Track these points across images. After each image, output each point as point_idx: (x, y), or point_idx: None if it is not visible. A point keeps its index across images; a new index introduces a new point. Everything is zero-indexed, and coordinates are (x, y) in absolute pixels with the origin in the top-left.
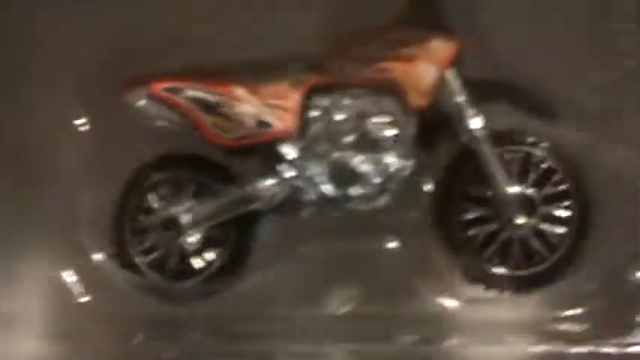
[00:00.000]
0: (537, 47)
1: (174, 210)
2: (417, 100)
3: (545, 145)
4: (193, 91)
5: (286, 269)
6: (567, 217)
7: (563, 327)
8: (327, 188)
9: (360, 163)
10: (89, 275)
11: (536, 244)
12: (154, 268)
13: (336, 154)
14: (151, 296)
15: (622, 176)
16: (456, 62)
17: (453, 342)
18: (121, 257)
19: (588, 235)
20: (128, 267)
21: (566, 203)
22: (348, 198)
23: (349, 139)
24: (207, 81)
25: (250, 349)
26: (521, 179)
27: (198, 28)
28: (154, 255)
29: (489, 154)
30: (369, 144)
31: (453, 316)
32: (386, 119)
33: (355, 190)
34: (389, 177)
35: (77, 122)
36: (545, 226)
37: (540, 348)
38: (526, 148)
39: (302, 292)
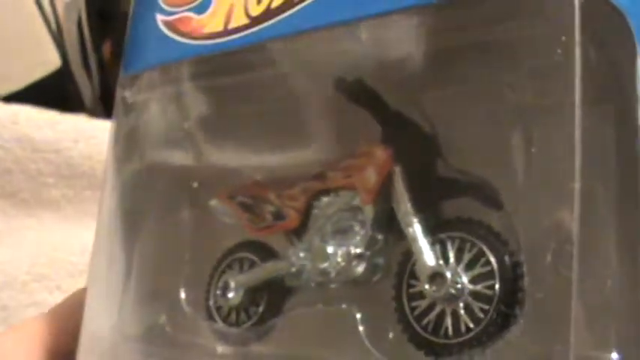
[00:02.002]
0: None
1: (228, 277)
2: (365, 197)
3: (477, 230)
4: (241, 197)
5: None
6: (489, 295)
7: None
8: (309, 265)
9: (331, 246)
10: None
11: (463, 316)
12: (221, 318)
13: (317, 240)
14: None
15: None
16: (411, 164)
17: None
18: (207, 312)
19: (511, 313)
20: (209, 318)
21: (489, 282)
22: (323, 271)
23: (328, 229)
24: (253, 189)
25: None
26: (457, 260)
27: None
28: (222, 310)
29: (413, 234)
30: (340, 233)
31: None
32: (352, 214)
33: (325, 265)
34: (350, 256)
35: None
36: (472, 302)
37: None
38: (462, 234)
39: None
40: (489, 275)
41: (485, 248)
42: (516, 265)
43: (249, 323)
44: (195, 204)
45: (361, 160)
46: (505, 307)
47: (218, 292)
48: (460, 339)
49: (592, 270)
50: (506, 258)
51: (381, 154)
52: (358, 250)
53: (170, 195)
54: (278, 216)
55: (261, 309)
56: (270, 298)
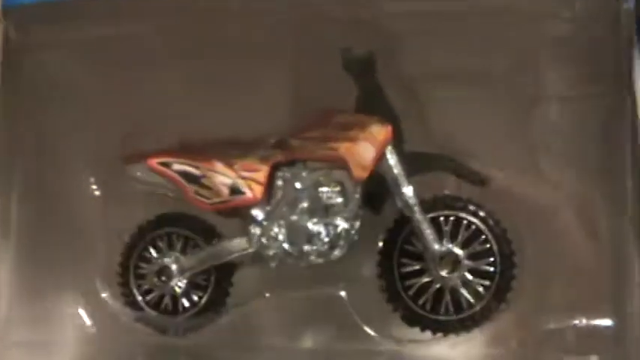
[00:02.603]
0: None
1: (166, 260)
2: (359, 173)
3: (473, 209)
4: (180, 165)
5: (257, 309)
6: (491, 272)
7: None
8: (286, 245)
9: (313, 224)
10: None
11: (463, 293)
12: (151, 306)
13: (293, 217)
14: (148, 328)
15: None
16: (393, 141)
17: None
18: (126, 297)
19: (509, 287)
20: (131, 305)
21: (490, 260)
22: (303, 253)
23: (305, 204)
24: (192, 156)
25: None
26: (452, 239)
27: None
28: (151, 296)
29: (420, 218)
30: (321, 210)
31: (394, 353)
32: (335, 188)
33: (309, 247)
34: (337, 236)
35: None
36: (471, 279)
37: None
38: (457, 213)
39: (271, 327)
40: (488, 253)
41: (482, 227)
42: (510, 242)
43: (194, 311)
44: (97, 168)
45: (351, 133)
46: (505, 283)
47: (154, 278)
48: (463, 315)
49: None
50: (502, 236)
51: (380, 129)
52: (346, 226)
53: (62, 156)
54: (236, 190)
55: (208, 294)
56: (218, 281)
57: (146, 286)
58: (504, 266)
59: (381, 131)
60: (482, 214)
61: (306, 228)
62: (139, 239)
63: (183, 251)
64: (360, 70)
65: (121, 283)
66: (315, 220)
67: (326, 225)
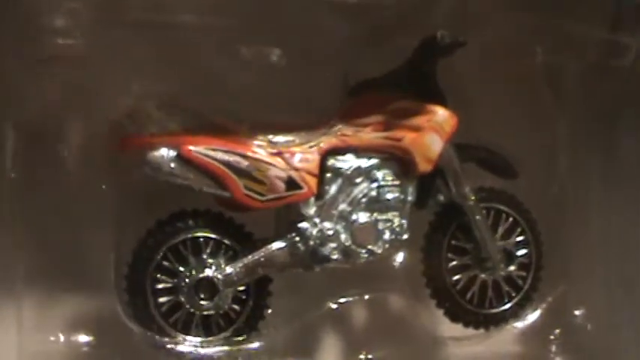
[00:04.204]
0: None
1: (208, 271)
2: (424, 166)
3: (508, 201)
4: (223, 154)
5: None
6: (527, 263)
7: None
8: (353, 245)
9: (377, 222)
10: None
11: (505, 286)
12: (176, 326)
13: (355, 216)
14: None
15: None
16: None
17: None
18: (143, 318)
19: (541, 277)
20: (150, 326)
21: (525, 251)
22: (371, 253)
23: (364, 200)
24: (228, 142)
25: None
26: (494, 230)
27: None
28: (178, 314)
29: (478, 212)
30: (379, 204)
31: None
32: (395, 182)
33: (375, 247)
34: (400, 233)
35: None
36: (515, 271)
37: None
38: (495, 205)
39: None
40: (525, 244)
41: (519, 218)
42: (540, 232)
43: (232, 329)
44: None
45: (415, 122)
46: (538, 273)
47: (194, 295)
48: (503, 307)
49: None
50: (536, 227)
51: (447, 119)
52: (404, 222)
53: None
54: (293, 184)
55: (248, 308)
56: (258, 293)
57: (170, 304)
58: (538, 256)
59: (448, 121)
60: (518, 205)
61: (372, 227)
62: (156, 246)
63: (215, 258)
64: (444, 54)
65: (140, 306)
66: (376, 217)
67: (387, 222)
